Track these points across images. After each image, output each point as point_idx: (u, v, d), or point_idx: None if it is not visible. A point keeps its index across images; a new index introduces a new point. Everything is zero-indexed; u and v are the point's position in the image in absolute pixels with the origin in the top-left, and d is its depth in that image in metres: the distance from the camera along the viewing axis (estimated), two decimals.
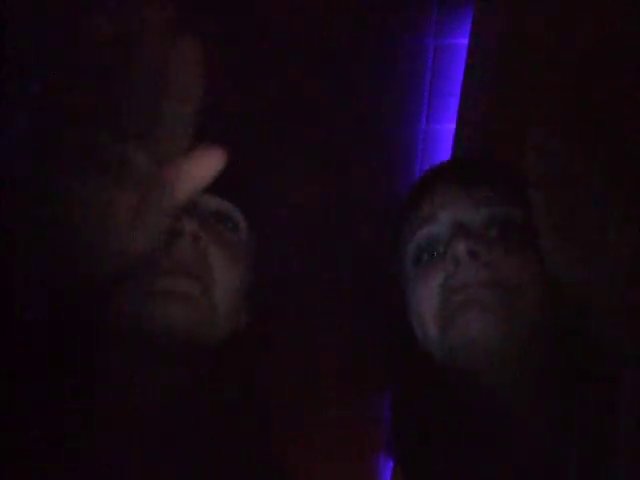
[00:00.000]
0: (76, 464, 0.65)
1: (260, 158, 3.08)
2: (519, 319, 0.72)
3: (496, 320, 0.71)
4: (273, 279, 3.94)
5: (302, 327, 4.53)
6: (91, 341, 0.68)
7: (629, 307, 0.64)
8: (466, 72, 2.41)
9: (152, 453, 0.74)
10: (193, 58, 0.50)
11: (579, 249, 0.66)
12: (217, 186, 0.56)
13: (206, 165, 0.53)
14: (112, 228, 0.47)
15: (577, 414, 0.72)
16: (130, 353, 0.74)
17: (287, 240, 3.68)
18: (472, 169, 0.84)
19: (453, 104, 2.62)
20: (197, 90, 0.50)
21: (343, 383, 5.22)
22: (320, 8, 2.36)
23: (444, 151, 2.91)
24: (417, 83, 2.65)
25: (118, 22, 0.45)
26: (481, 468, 0.74)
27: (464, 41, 2.40)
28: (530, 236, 0.73)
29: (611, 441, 0.67)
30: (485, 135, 2.33)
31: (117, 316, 0.73)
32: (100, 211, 0.46)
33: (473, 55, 2.31)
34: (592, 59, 1.88)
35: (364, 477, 6.80)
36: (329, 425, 5.83)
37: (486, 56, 2.15)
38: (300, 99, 2.73)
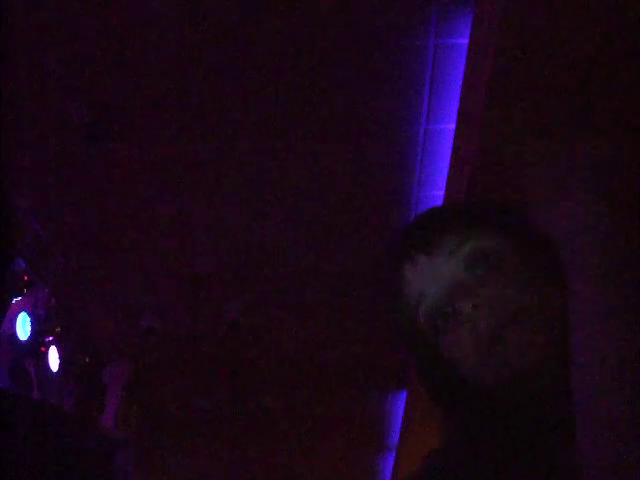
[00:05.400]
0: None
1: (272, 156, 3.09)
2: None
3: None
4: (277, 277, 3.91)
5: (304, 327, 4.53)
6: None
7: None
8: (466, 72, 2.41)
9: None
10: None
11: None
12: None
13: None
14: None
15: None
16: None
17: (291, 237, 3.69)
18: (429, 231, 0.92)
19: (453, 104, 2.63)
20: None
21: (343, 383, 5.23)
22: (320, 9, 2.36)
23: (444, 151, 2.91)
24: (417, 83, 2.66)
25: None
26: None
27: (464, 41, 2.40)
28: (507, 260, 0.87)
29: None
30: (485, 135, 2.33)
31: None
32: None
33: (473, 55, 2.31)
34: (592, 59, 1.89)
35: (364, 476, 6.81)
36: (329, 425, 5.85)
37: (486, 56, 2.15)
38: (301, 99, 2.73)
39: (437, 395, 0.93)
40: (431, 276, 0.88)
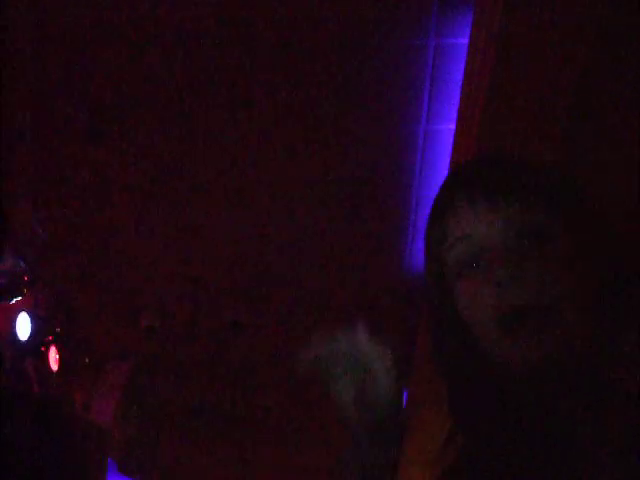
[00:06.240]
0: None
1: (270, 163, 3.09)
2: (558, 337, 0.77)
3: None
4: (276, 277, 3.91)
5: (303, 327, 4.53)
6: None
7: None
8: (466, 72, 2.41)
9: None
10: None
11: None
12: None
13: None
14: None
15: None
16: None
17: (290, 237, 3.69)
18: (498, 179, 0.85)
19: (453, 104, 2.63)
20: None
21: None
22: (321, 8, 2.36)
23: (444, 151, 2.91)
24: (417, 83, 2.66)
25: None
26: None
27: (464, 41, 2.40)
28: (558, 242, 0.80)
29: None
30: (485, 135, 2.33)
31: None
32: None
33: (473, 55, 2.31)
34: (592, 59, 1.89)
35: None
36: (329, 425, 5.84)
37: (486, 56, 2.15)
38: (300, 99, 2.73)
39: (443, 364, 0.89)
40: (475, 226, 0.84)
